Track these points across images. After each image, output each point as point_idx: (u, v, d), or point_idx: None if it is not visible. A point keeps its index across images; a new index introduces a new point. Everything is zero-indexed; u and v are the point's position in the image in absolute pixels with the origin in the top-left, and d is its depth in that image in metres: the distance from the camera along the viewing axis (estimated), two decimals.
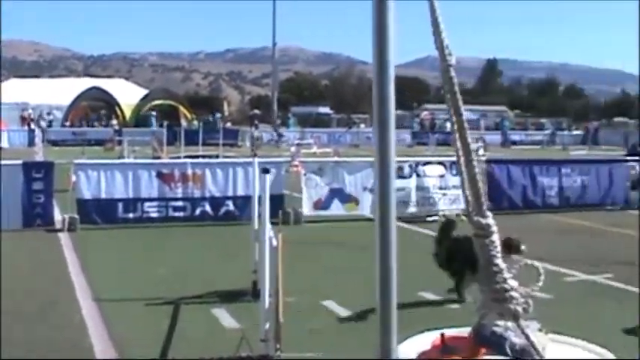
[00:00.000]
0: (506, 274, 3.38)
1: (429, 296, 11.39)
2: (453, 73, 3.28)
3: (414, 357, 3.64)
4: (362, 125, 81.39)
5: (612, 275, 13.05)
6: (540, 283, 3.63)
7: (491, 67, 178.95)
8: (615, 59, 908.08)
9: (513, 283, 3.38)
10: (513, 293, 3.36)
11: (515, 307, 3.36)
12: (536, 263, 3.70)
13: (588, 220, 19.81)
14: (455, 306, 10.61)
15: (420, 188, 19.84)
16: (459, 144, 3.35)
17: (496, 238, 3.38)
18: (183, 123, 60.35)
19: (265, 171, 8.84)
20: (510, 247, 11.83)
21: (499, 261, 3.36)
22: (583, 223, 19.43)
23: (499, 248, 3.38)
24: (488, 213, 3.41)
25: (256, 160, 13.20)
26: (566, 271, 13.36)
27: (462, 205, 18.18)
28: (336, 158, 26.96)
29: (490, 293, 3.40)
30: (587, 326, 9.49)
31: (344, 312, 10.48)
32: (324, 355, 8.38)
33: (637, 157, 27.48)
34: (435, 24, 3.25)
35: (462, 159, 3.37)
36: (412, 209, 19.74)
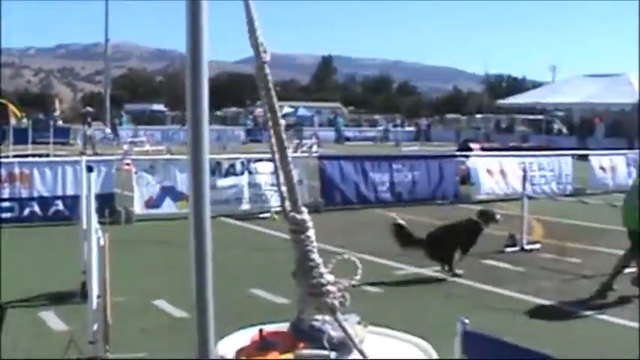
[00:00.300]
0: (323, 269, 3.40)
1: (260, 293, 11.42)
2: (267, 70, 3.29)
3: (232, 354, 3.63)
4: None
5: (441, 267, 13.35)
6: (358, 277, 3.67)
7: (326, 64, 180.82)
8: (448, 57, 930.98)
9: (329, 277, 3.41)
10: (330, 287, 3.39)
11: (332, 300, 3.39)
12: (353, 257, 3.74)
13: (419, 215, 20.18)
14: (285, 301, 10.64)
15: (253, 185, 19.86)
16: (273, 140, 3.37)
17: (312, 233, 3.40)
18: (13, 121, 58.58)
19: (89, 169, 8.70)
20: (487, 217, 13.55)
21: (315, 256, 3.38)
22: (414, 218, 19.77)
23: (315, 243, 3.40)
24: (304, 209, 3.43)
25: (84, 158, 13.00)
26: (397, 264, 13.63)
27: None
28: (168, 156, 26.78)
29: (307, 288, 3.42)
30: (414, 318, 9.74)
31: (175, 311, 10.41)
32: (151, 354, 8.33)
33: (466, 153, 28.33)
34: (250, 22, 3.26)
35: (277, 156, 3.39)
36: (245, 206, 19.74)
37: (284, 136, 3.37)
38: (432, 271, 13.15)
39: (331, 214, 19.89)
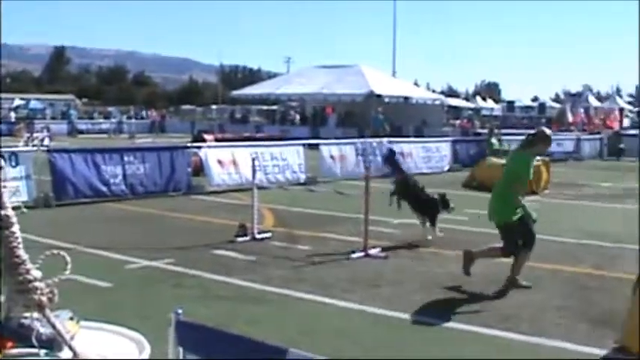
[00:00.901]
0: (29, 265, 3.36)
1: None
2: None
3: None
4: None
5: (173, 260, 13.32)
6: (67, 272, 3.64)
7: (59, 54, 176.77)
8: (183, 48, 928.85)
9: (37, 273, 3.37)
10: (37, 284, 3.35)
11: (39, 297, 3.35)
12: (63, 252, 3.70)
13: (152, 207, 20.12)
14: None
15: None
16: None
17: (16, 229, 3.35)
18: None
19: None
20: (444, 203, 16.01)
21: (21, 252, 3.34)
22: (147, 210, 19.70)
23: (20, 239, 3.35)
24: (8, 204, 3.37)
25: None
26: (128, 258, 13.49)
27: (23, 197, 17.77)
28: None
29: (14, 285, 3.36)
30: (144, 311, 9.68)
31: None
32: None
33: (199, 144, 28.39)
34: None
35: None
36: None
37: None
38: (163, 263, 13.12)
39: (63, 208, 19.45)
